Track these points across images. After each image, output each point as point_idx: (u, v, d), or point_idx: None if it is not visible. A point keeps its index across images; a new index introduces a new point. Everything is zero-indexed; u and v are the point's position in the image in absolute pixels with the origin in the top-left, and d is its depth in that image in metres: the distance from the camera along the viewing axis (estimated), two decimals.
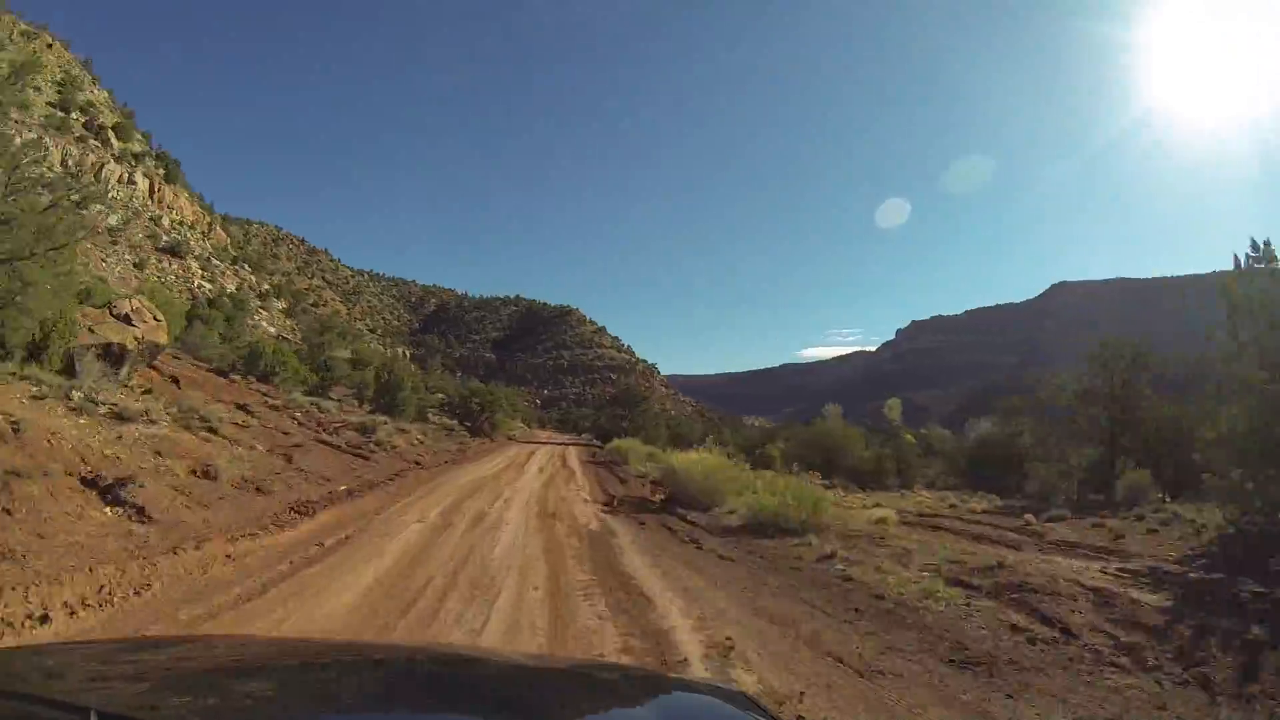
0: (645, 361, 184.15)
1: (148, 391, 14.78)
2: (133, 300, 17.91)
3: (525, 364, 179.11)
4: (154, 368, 17.89)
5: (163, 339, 17.34)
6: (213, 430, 13.12)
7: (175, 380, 17.50)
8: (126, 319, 17.52)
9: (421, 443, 22.20)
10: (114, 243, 48.97)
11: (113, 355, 13.89)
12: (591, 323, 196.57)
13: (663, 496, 16.49)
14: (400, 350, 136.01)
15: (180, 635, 4.78)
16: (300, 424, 17.92)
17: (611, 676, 2.35)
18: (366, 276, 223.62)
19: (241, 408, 17.01)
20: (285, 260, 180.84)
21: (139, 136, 69.43)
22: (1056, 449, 24.15)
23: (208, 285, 50.97)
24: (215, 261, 60.14)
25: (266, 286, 65.37)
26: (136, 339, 16.78)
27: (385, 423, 20.70)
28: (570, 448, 41.31)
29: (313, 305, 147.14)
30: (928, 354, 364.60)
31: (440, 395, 40.12)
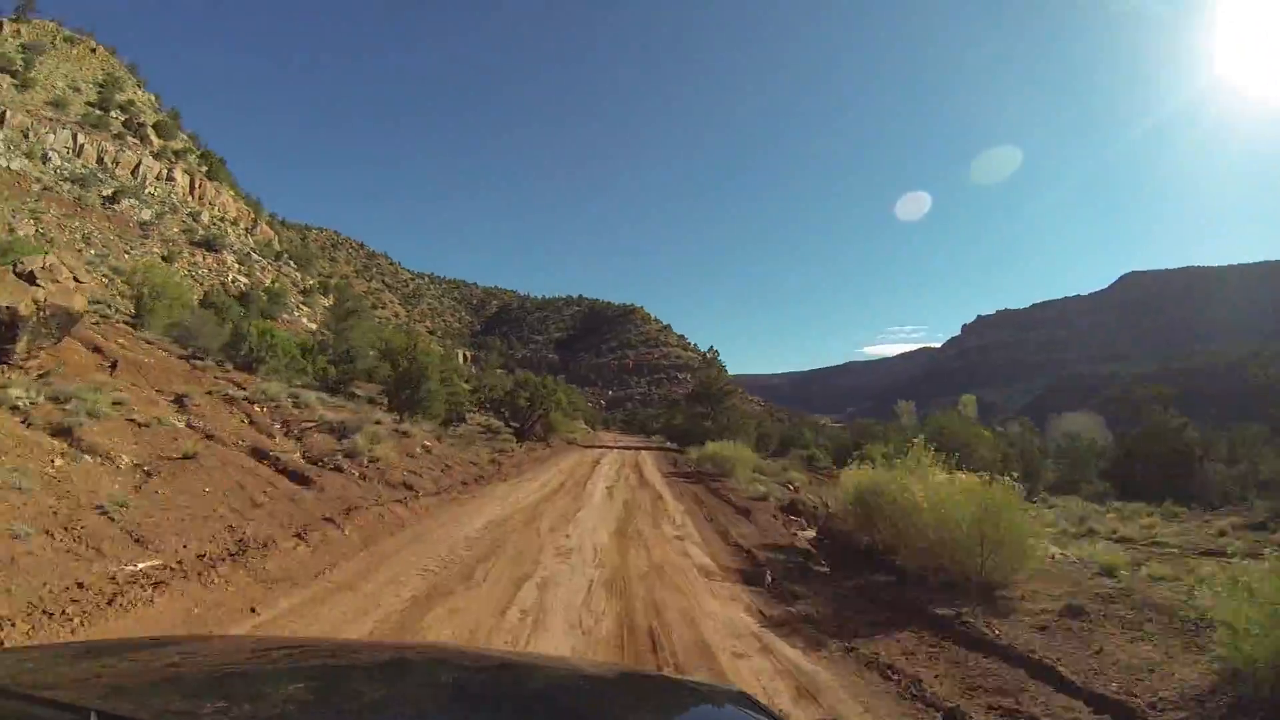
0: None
1: (44, 375, 10.48)
2: (48, 257, 12.41)
3: (589, 364, 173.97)
4: (98, 349, 13.36)
5: (78, 305, 11.90)
6: (68, 432, 7.94)
7: (113, 364, 12.63)
8: (31, 278, 11.94)
9: (430, 451, 15.92)
10: (145, 236, 45.50)
11: None
12: (656, 321, 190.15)
13: (819, 543, 10.20)
14: (460, 351, 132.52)
15: (180, 635, 4.63)
16: (253, 423, 12.24)
17: (612, 677, 2.34)
18: (427, 279, 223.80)
19: (177, 400, 11.77)
20: (344, 264, 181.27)
21: (184, 136, 67.44)
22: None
23: (243, 279, 46.81)
24: (257, 257, 56.35)
25: (312, 283, 61.37)
26: (37, 301, 11.32)
27: (379, 423, 14.52)
28: (643, 453, 36.14)
29: (371, 308, 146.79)
30: (994, 349, 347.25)
31: (481, 391, 33.84)
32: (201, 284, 40.52)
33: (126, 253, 38.13)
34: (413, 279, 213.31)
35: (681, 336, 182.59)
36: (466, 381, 33.26)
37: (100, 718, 1.05)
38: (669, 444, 55.34)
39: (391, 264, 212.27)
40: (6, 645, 4.24)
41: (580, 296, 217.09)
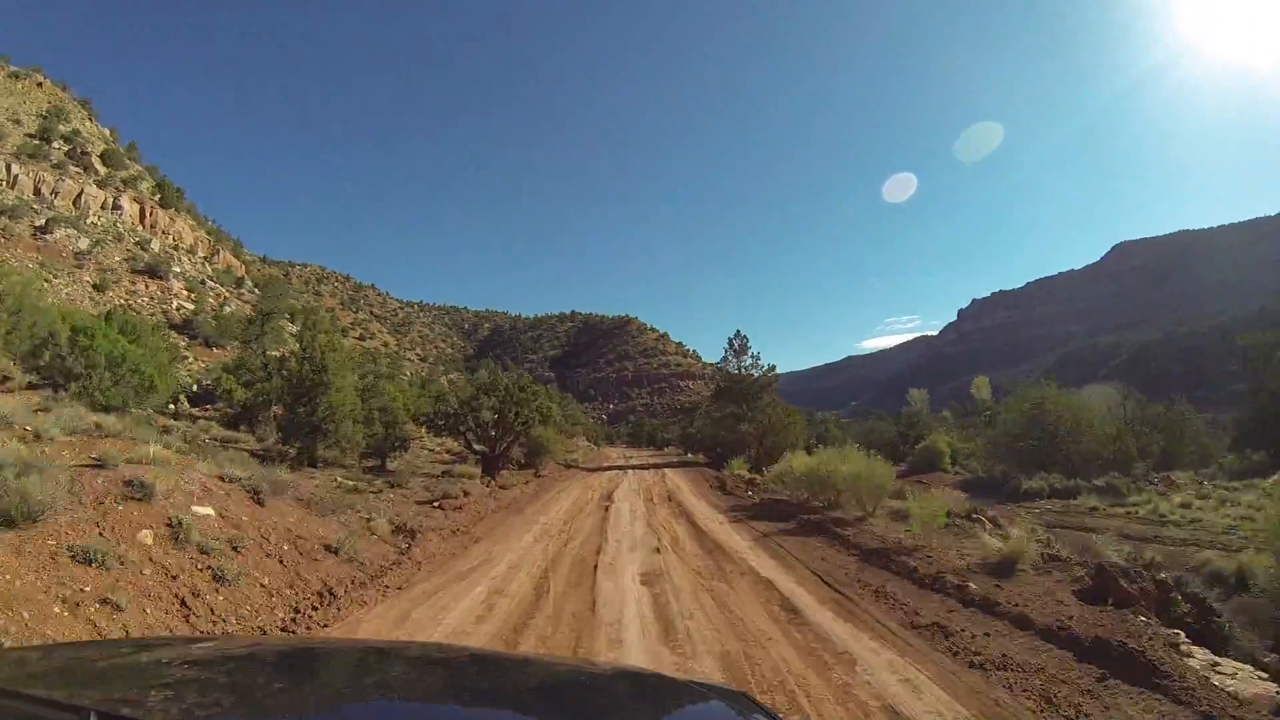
0: (713, 365, 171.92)
1: None
2: None
3: (587, 379, 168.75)
4: None
5: None
6: None
7: None
8: None
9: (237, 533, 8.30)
10: (78, 266, 40.87)
11: None
12: (653, 330, 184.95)
13: None
14: (449, 378, 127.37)
15: (180, 635, 4.92)
16: None
17: (613, 677, 2.31)
18: (416, 307, 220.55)
19: None
20: (329, 298, 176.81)
21: (138, 166, 63.36)
22: None
23: (189, 306, 42.07)
24: (212, 284, 51.70)
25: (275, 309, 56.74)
26: None
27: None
28: (667, 473, 29.75)
29: (359, 339, 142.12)
30: (994, 331, 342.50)
31: (439, 403, 25.08)
32: (140, 311, 35.82)
33: (47, 281, 33.42)
34: (402, 308, 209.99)
35: (680, 344, 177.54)
36: (436, 398, 26.33)
37: (100, 718, 1.04)
38: (690, 456, 48.57)
39: (380, 294, 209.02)
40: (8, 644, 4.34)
41: (573, 312, 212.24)
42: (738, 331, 39.02)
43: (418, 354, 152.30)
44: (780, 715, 1.85)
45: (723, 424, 38.14)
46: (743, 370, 38.68)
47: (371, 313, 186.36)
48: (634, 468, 36.35)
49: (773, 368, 38.95)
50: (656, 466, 36.94)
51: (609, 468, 36.70)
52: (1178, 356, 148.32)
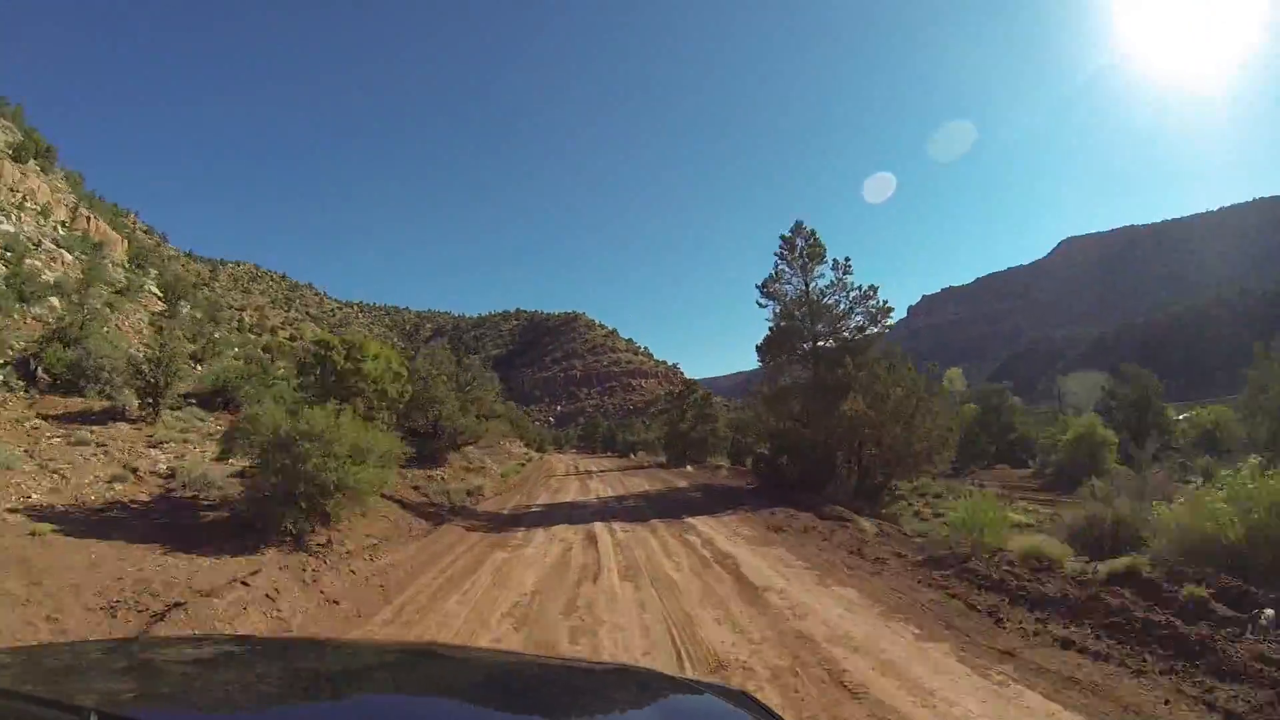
0: (666, 363, 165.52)
1: None
2: None
3: (533, 379, 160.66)
4: None
5: None
6: None
7: None
8: None
9: None
10: None
11: None
12: (601, 326, 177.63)
13: None
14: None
15: (180, 635, 4.86)
16: None
17: (613, 676, 2.27)
18: (355, 308, 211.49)
19: None
20: (259, 295, 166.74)
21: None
22: None
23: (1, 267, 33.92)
24: (54, 247, 43.36)
25: (144, 283, 48.66)
26: None
27: None
28: (723, 526, 14.23)
29: (289, 339, 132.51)
30: (946, 328, 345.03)
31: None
32: None
33: None
34: (340, 308, 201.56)
35: (630, 340, 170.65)
36: None
37: (100, 718, 1.03)
38: (690, 468, 34.73)
39: (316, 294, 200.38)
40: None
41: (518, 310, 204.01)
42: (799, 225, 21.21)
43: None
44: (780, 715, 1.71)
45: (788, 407, 20.62)
46: (816, 295, 20.66)
47: (307, 312, 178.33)
48: (615, 504, 20.05)
49: (874, 290, 20.29)
50: (654, 496, 21.82)
51: (562, 502, 20.88)
52: (1135, 348, 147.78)
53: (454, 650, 2.77)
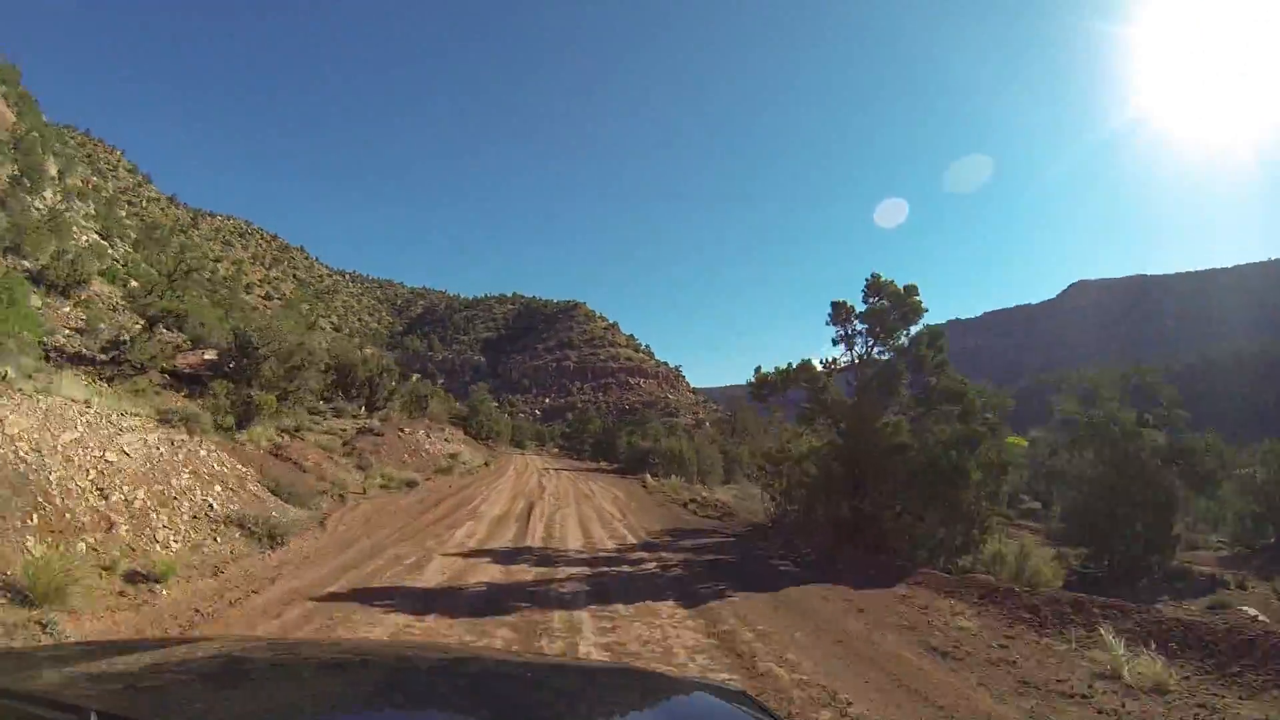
0: (668, 365, 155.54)
1: None
2: None
3: (523, 367, 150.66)
4: None
5: None
6: None
7: None
8: None
9: None
10: None
11: None
12: (601, 318, 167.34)
13: None
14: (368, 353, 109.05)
15: (180, 635, 4.86)
16: None
17: (613, 675, 2.27)
18: (347, 277, 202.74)
19: None
20: (240, 250, 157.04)
21: None
22: None
23: None
24: None
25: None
26: None
27: None
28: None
29: (264, 298, 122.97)
30: (953, 359, 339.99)
31: None
32: None
33: None
34: (330, 275, 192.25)
35: (631, 336, 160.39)
36: None
37: (100, 718, 1.04)
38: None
39: (308, 259, 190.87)
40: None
41: (515, 294, 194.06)
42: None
43: (331, 323, 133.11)
44: (781, 715, 1.54)
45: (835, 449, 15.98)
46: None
47: (295, 277, 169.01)
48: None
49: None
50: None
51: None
52: (1141, 395, 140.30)
53: (455, 650, 2.80)
